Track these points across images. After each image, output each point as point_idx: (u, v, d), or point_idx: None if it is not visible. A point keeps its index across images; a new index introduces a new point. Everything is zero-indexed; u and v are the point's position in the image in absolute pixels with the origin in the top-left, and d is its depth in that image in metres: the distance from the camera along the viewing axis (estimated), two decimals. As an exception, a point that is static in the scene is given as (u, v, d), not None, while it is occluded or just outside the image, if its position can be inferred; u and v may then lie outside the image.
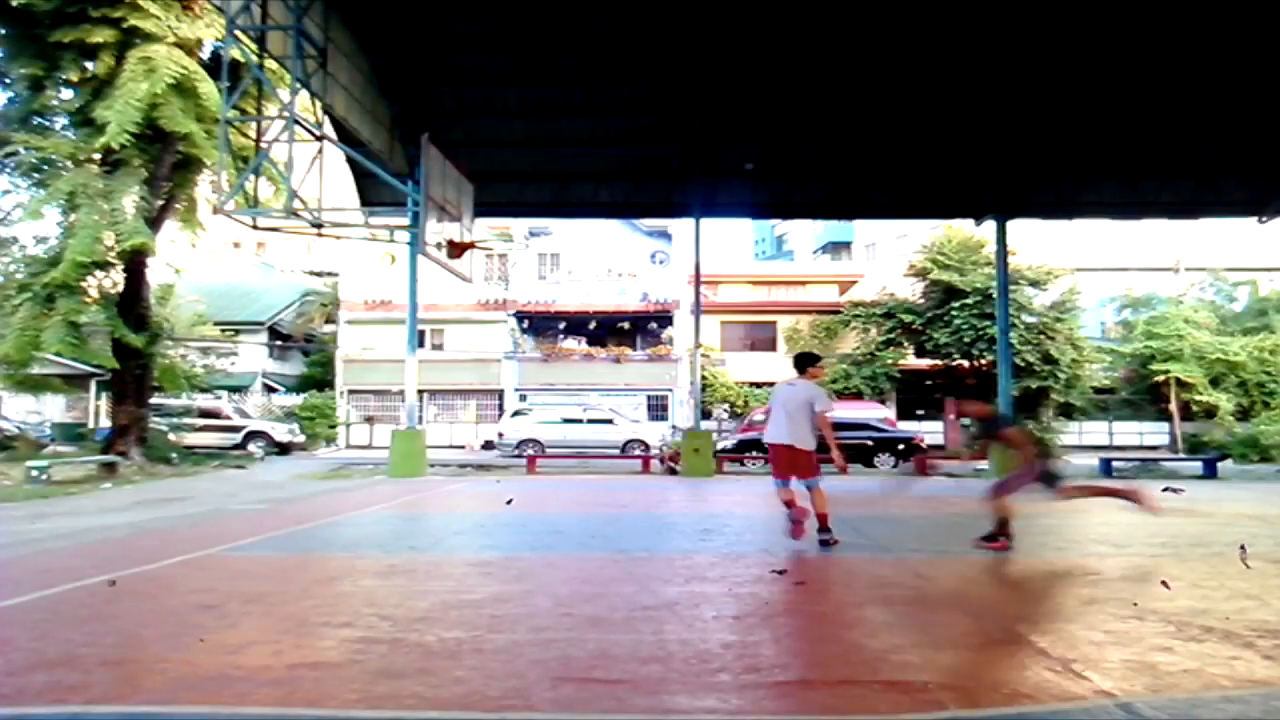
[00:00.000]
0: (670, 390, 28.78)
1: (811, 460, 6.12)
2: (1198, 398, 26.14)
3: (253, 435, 22.35)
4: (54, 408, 25.29)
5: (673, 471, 15.80)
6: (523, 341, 29.45)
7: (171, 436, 19.00)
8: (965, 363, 25.74)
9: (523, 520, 8.03)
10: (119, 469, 13.98)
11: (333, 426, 27.43)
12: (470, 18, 13.90)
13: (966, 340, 24.97)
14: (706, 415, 25.33)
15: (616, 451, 21.09)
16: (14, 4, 13.55)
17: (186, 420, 21.10)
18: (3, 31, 14.70)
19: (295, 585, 4.72)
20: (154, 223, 15.30)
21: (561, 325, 29.80)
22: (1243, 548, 5.50)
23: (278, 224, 13.90)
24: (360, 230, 14.91)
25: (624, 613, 3.95)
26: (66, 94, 15.19)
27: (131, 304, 15.58)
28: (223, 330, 25.52)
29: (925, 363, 27.12)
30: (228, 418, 22.75)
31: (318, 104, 12.48)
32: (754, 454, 17.35)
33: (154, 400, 17.75)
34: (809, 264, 44.32)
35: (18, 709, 2.58)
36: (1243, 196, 16.71)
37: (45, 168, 14.85)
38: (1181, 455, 23.21)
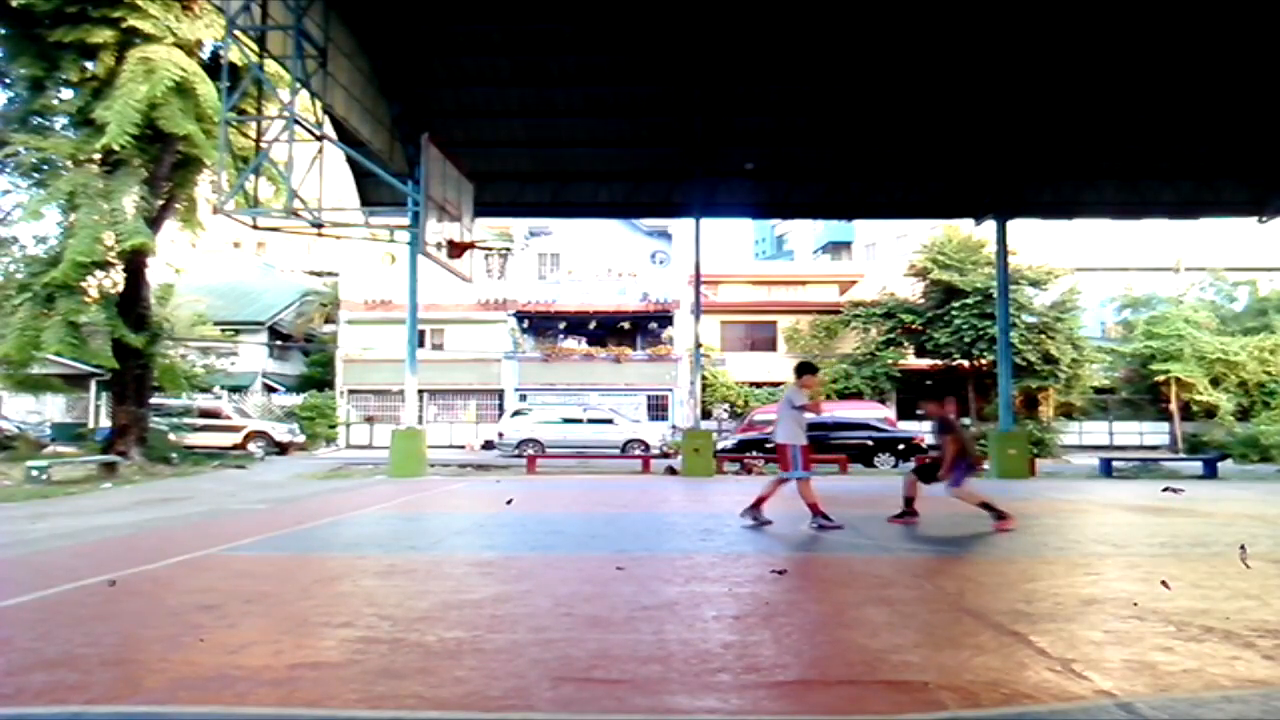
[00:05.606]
0: (670, 390, 28.79)
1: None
2: (1198, 398, 26.16)
3: (253, 435, 22.36)
4: (54, 408, 25.28)
5: (672, 471, 15.79)
6: (523, 341, 29.46)
7: (171, 436, 18.97)
8: (965, 363, 25.74)
9: (523, 520, 8.03)
10: (119, 469, 13.97)
11: (333, 426, 27.45)
12: (470, 18, 13.90)
13: (967, 340, 24.98)
14: (706, 415, 25.35)
15: (616, 451, 21.09)
16: (14, 4, 13.55)
17: (186, 420, 21.08)
18: (3, 31, 14.69)
19: (295, 585, 4.71)
20: (154, 223, 15.30)
21: (561, 325, 29.79)
22: (1243, 548, 5.49)
23: (278, 224, 13.91)
24: (360, 230, 14.91)
25: (624, 613, 3.95)
26: (66, 94, 15.18)
27: (131, 304, 15.57)
28: (223, 330, 25.53)
29: (925, 363, 27.13)
30: (228, 418, 22.74)
31: (318, 104, 12.47)
32: (754, 454, 17.36)
33: (154, 400, 17.73)
34: (809, 264, 44.31)
35: (18, 709, 2.57)
36: (1243, 196, 16.72)
37: (45, 168, 14.84)
38: (1181, 455, 23.21)
